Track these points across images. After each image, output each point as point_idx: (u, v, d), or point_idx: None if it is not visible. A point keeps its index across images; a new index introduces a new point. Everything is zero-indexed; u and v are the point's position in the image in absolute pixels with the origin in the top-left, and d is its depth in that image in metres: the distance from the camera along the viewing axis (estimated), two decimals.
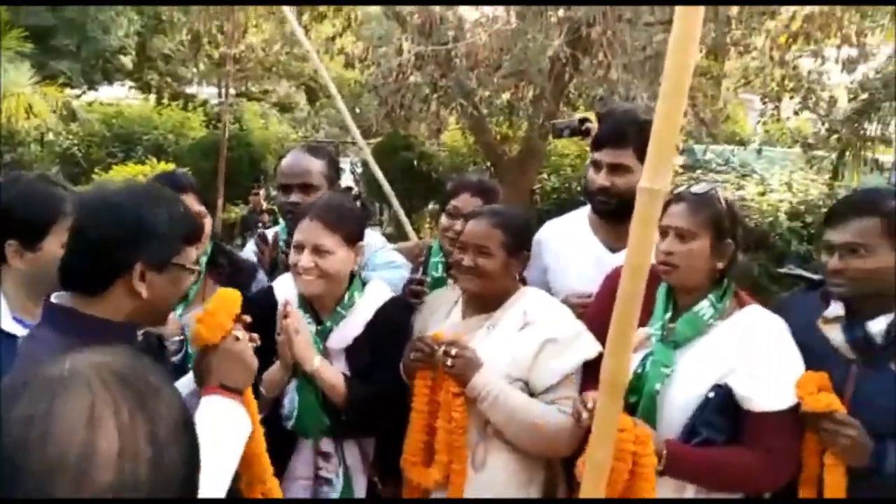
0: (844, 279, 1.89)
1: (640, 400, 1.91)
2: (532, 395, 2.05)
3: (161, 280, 1.50)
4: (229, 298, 1.66)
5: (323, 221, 2.11)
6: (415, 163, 10.12)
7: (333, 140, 15.34)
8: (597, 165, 2.41)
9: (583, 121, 3.09)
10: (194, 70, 18.24)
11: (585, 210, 2.57)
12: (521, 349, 2.04)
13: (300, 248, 2.11)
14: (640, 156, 2.24)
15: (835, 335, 1.93)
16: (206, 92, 18.85)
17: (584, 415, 1.80)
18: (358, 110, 9.79)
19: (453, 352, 2.01)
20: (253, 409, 1.64)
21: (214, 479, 1.40)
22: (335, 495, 2.11)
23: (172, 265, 1.52)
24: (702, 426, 1.87)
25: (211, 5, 9.51)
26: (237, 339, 1.62)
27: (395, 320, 2.23)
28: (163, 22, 16.04)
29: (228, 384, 1.56)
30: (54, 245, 1.80)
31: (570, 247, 2.49)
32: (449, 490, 2.04)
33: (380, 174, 4.27)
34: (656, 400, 1.90)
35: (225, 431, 1.50)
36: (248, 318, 1.67)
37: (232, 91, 13.87)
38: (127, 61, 17.13)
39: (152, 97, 17.24)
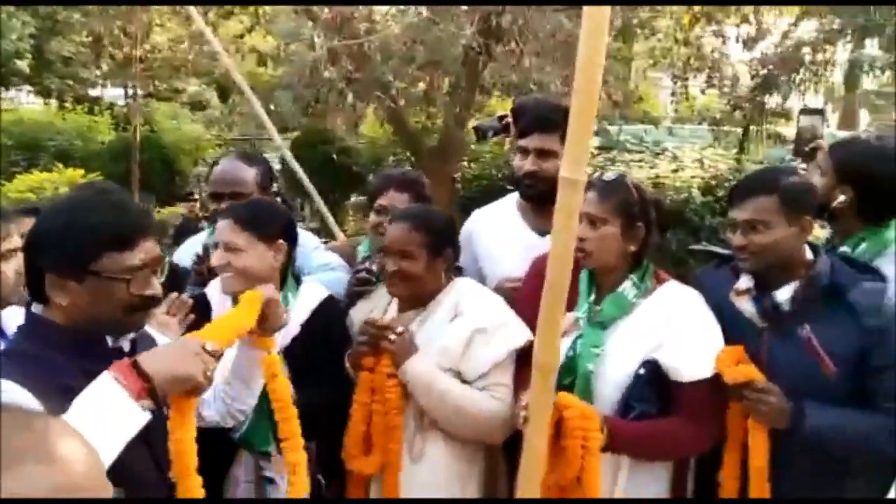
0: (747, 254, 2.00)
1: (574, 380, 1.98)
2: (465, 383, 2.09)
3: (82, 290, 1.45)
4: (242, 322, 1.63)
5: (234, 219, 2.14)
6: (334, 156, 10.02)
7: (250, 137, 15.03)
8: (524, 152, 2.47)
9: (501, 118, 3.16)
10: (97, 72, 17.56)
11: (512, 197, 2.63)
12: (452, 339, 2.09)
13: (216, 247, 2.16)
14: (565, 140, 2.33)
15: (746, 306, 2.04)
16: (112, 94, 18.18)
17: (522, 413, 1.83)
18: (273, 106, 9.63)
19: (399, 329, 2.06)
20: (185, 412, 1.51)
21: None
22: (281, 494, 2.12)
23: (90, 273, 1.44)
24: (635, 401, 1.96)
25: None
26: (203, 349, 1.47)
27: (331, 321, 2.25)
28: (59, 23, 15.37)
29: (144, 367, 1.37)
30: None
31: (500, 234, 2.54)
32: (385, 472, 2.08)
33: (299, 170, 4.22)
34: (590, 379, 1.98)
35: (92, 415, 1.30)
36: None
37: (140, 92, 13.43)
38: (24, 65, 16.35)
39: (54, 102, 16.52)
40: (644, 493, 2.03)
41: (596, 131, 8.76)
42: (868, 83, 11.10)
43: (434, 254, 2.14)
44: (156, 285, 1.54)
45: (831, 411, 1.91)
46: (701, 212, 5.88)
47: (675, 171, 6.61)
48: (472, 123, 7.70)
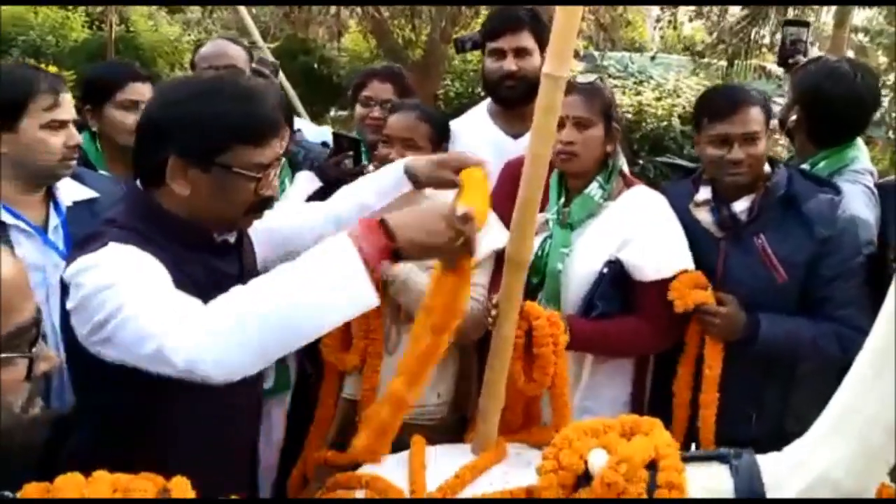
0: (744, 167, 2.02)
1: (543, 280, 2.05)
2: None
3: (205, 180, 1.37)
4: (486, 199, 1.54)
5: None
6: (315, 67, 9.85)
7: None
8: (499, 53, 2.45)
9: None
10: None
11: (483, 104, 2.64)
12: None
13: None
14: (537, 38, 2.33)
15: (704, 216, 2.10)
16: None
17: (493, 312, 1.85)
18: (254, 11, 9.37)
19: None
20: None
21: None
22: (270, 382, 2.19)
23: (216, 165, 1.36)
24: (598, 300, 2.02)
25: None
26: (460, 217, 1.32)
27: None
28: None
29: (391, 224, 1.28)
30: (32, 126, 1.80)
31: (474, 139, 2.55)
32: (364, 372, 2.13)
33: (282, 76, 4.18)
34: (559, 278, 2.04)
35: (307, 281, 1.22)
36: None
37: None
38: None
39: None
40: (606, 390, 2.12)
41: (581, 56, 8.70)
42: (858, 19, 11.01)
43: (436, 146, 2.18)
44: (276, 185, 1.49)
45: (783, 321, 2.00)
46: (680, 140, 5.95)
47: (658, 99, 6.64)
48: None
